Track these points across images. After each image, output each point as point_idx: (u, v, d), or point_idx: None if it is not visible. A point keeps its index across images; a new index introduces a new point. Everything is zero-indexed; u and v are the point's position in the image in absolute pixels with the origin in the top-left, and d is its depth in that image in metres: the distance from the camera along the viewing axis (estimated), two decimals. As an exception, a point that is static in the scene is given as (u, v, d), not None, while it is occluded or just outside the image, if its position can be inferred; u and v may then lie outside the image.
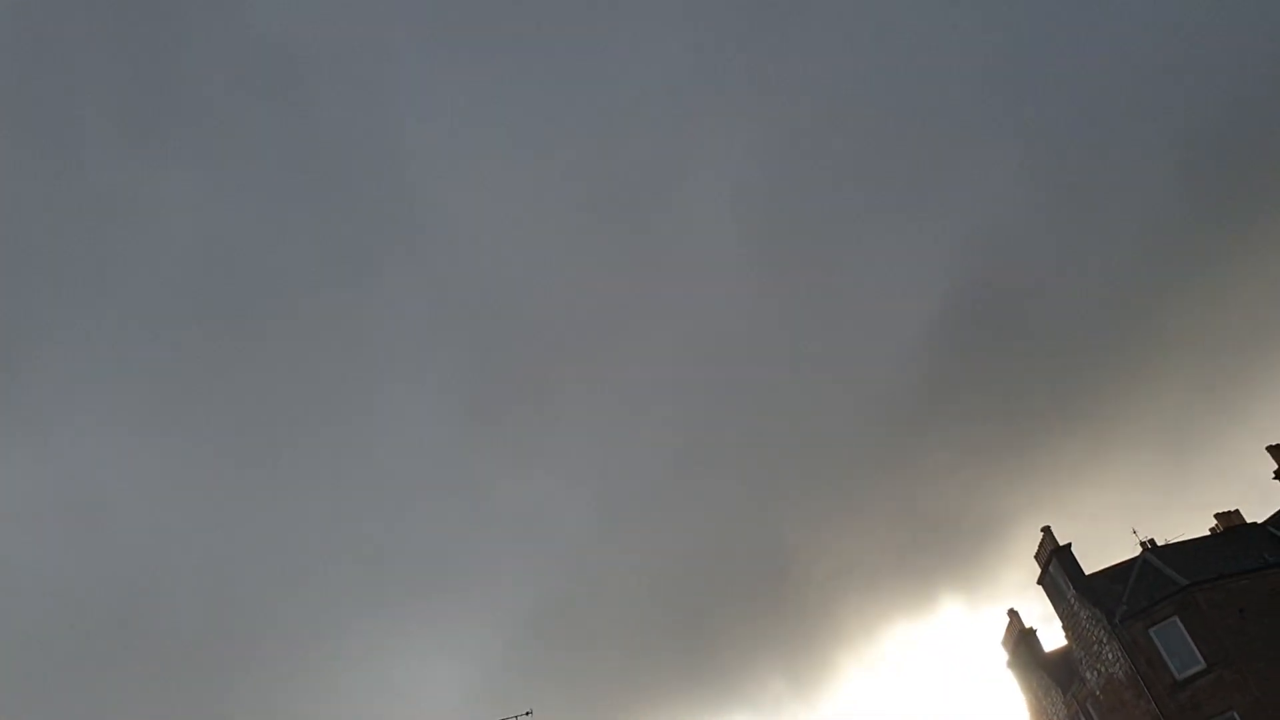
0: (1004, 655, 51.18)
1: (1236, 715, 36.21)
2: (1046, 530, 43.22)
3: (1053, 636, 48.69)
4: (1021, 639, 49.25)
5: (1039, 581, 44.16)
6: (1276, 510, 43.88)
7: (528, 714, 30.32)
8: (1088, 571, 42.02)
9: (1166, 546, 42.18)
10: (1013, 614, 49.90)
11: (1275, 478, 42.72)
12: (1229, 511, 45.38)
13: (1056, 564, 42.59)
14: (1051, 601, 43.74)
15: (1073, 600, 41.94)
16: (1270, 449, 43.16)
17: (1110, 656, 39.92)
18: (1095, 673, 41.55)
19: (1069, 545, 42.52)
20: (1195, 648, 37.38)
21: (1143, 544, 42.55)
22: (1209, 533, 44.71)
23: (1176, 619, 37.88)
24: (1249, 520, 44.97)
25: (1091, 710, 43.25)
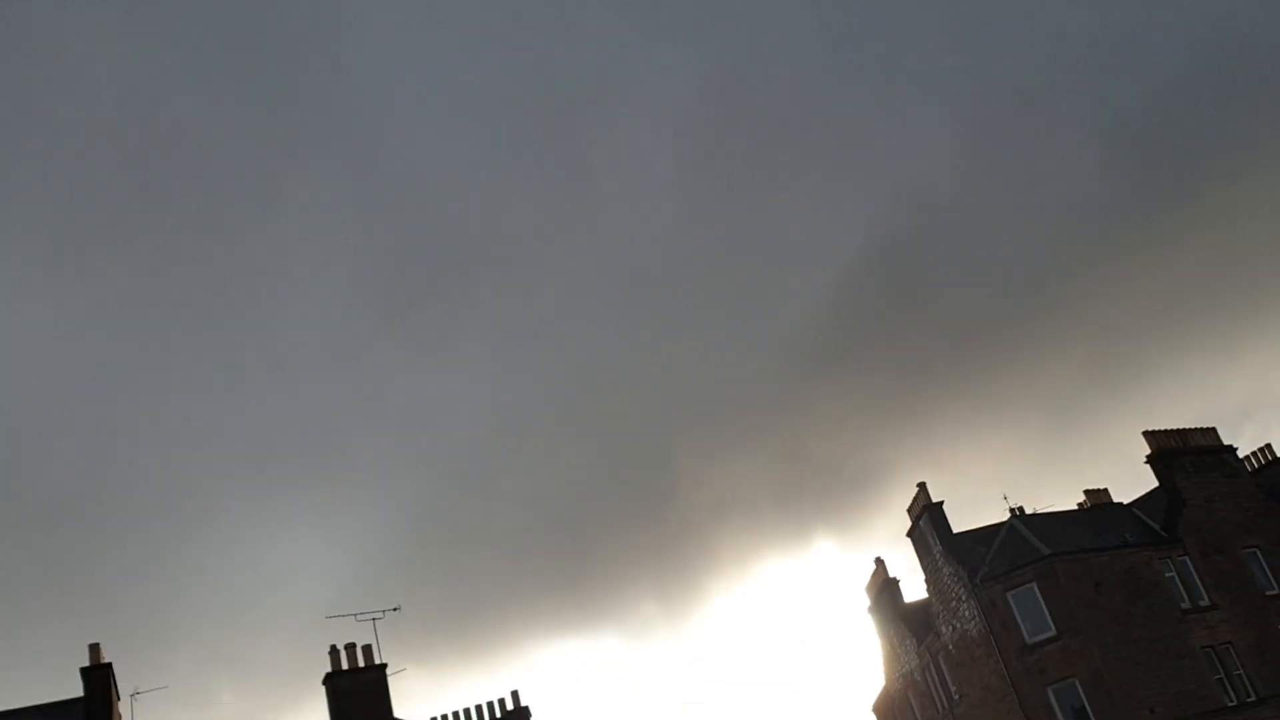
0: (867, 601, 52.06)
1: (1078, 683, 37.16)
2: (922, 486, 43.66)
3: (915, 589, 49.60)
4: (884, 587, 50.09)
5: (909, 534, 44.70)
6: (1144, 493, 44.91)
7: (395, 609, 29.53)
8: (956, 530, 42.60)
9: (1034, 515, 42.89)
10: (879, 562, 50.69)
11: (1146, 462, 43.60)
12: (1098, 489, 46.33)
13: (927, 519, 43.09)
14: (918, 555, 44.34)
15: (938, 556, 42.52)
16: (1146, 433, 44.00)
17: (967, 614, 40.63)
18: (950, 628, 42.32)
19: (941, 503, 43.02)
20: (1048, 615, 38.15)
21: (1012, 510, 43.22)
22: (1077, 507, 45.60)
23: (1034, 585, 38.57)
24: (1116, 500, 46.00)
25: (942, 663, 44.17)
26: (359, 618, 29.17)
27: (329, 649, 28.69)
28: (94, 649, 26.99)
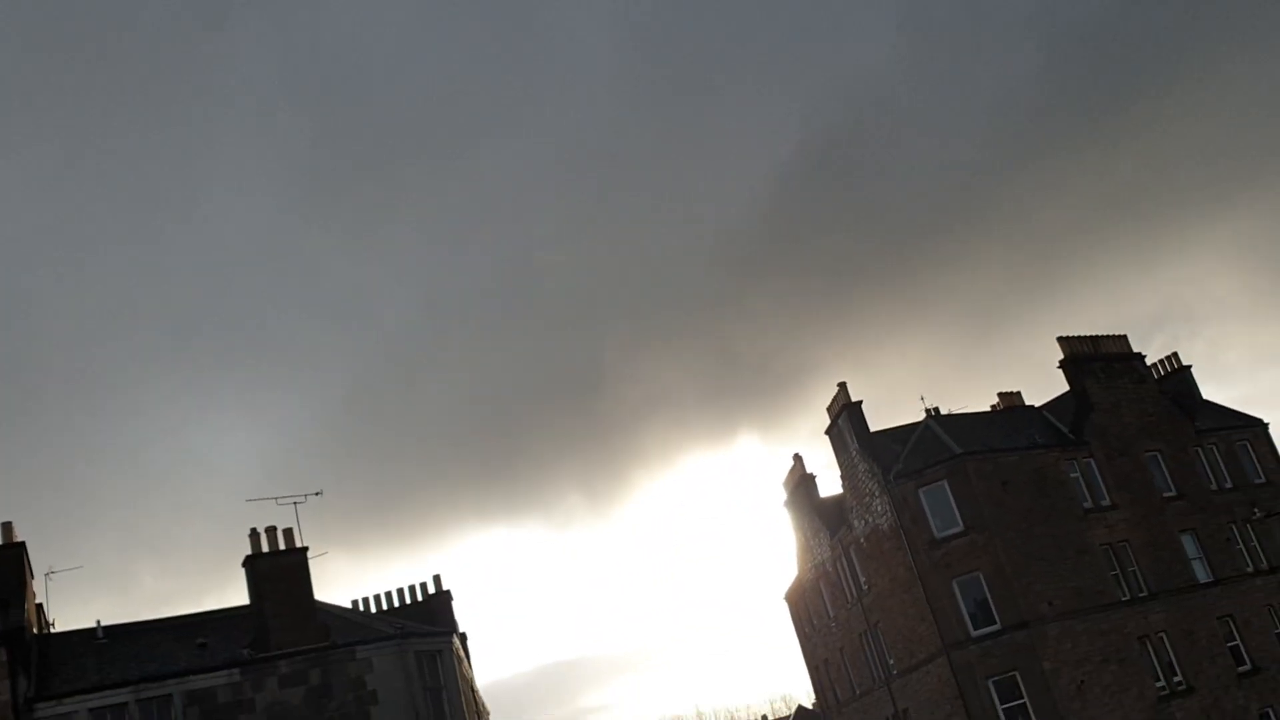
0: (783, 495, 53.04)
1: (981, 576, 38.41)
2: (842, 385, 44.23)
3: (832, 485, 50.58)
4: (801, 482, 51.04)
5: (827, 432, 45.39)
6: (1055, 397, 45.98)
7: (317, 494, 29.25)
8: (874, 430, 43.31)
9: (948, 416, 43.75)
10: (797, 458, 51.57)
11: (1059, 366, 44.56)
12: (1012, 392, 47.39)
13: (846, 418, 43.75)
14: (835, 452, 45.11)
15: (854, 453, 43.31)
16: (1060, 339, 44.88)
17: (879, 509, 41.60)
18: (863, 522, 43.34)
19: (859, 403, 43.65)
20: (957, 511, 39.20)
21: (927, 411, 44.02)
22: (990, 409, 46.63)
23: (945, 483, 39.51)
24: (1029, 403, 47.10)
25: (853, 555, 45.34)
26: (280, 501, 28.88)
27: (249, 532, 28.38)
28: (5, 527, 26.42)
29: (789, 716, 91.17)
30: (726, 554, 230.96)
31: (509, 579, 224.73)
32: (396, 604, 37.03)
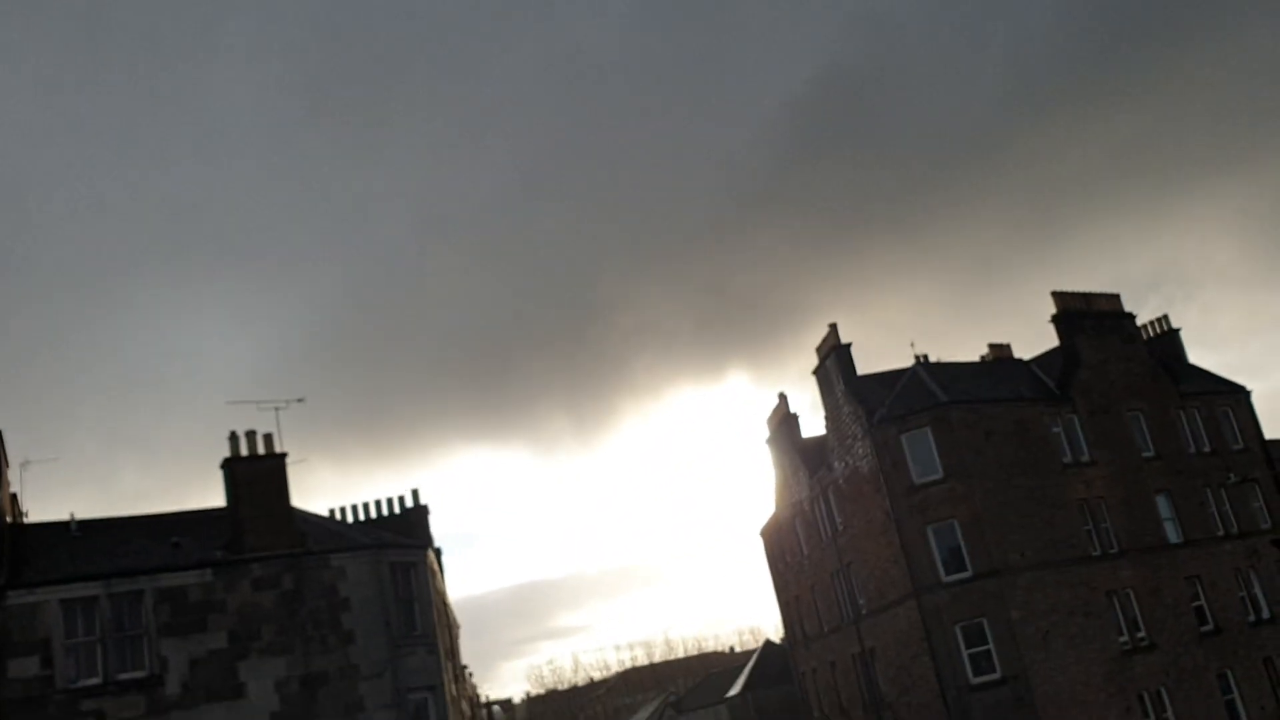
0: (766, 433, 52.94)
1: (956, 523, 38.41)
2: (833, 327, 43.85)
3: (816, 427, 50.38)
4: (784, 421, 50.91)
5: (815, 372, 45.10)
6: (1044, 351, 45.73)
7: (300, 400, 28.87)
8: (862, 373, 43.01)
9: (937, 364, 43.47)
10: (782, 397, 51.42)
11: (1051, 321, 44.21)
12: (1001, 344, 47.11)
13: (834, 359, 43.44)
14: (821, 393, 44.87)
15: (840, 395, 43.07)
16: (1054, 293, 44.48)
17: (860, 452, 41.48)
18: (843, 463, 43.26)
19: (849, 345, 43.34)
20: (938, 458, 39.09)
21: (916, 357, 43.66)
22: (979, 359, 46.35)
23: (929, 430, 39.35)
24: (1018, 356, 46.82)
25: (831, 495, 45.34)
26: (261, 405, 28.50)
27: (229, 435, 28.04)
28: (-18, 415, 26.00)
29: (756, 649, 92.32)
30: (708, 489, 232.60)
31: (491, 499, 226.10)
32: (374, 515, 36.94)
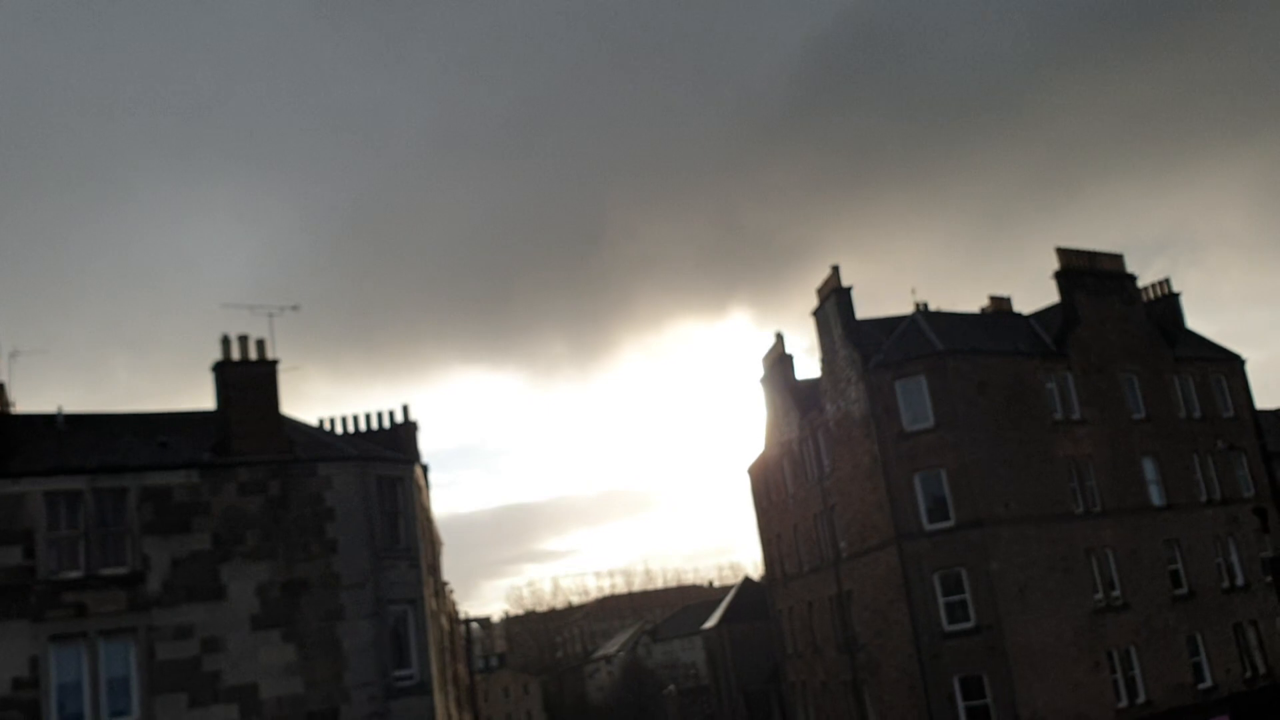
0: (761, 371, 52.71)
1: (944, 472, 38.33)
2: (834, 269, 43.26)
3: (811, 370, 50.05)
4: (779, 361, 50.64)
5: (814, 313, 44.67)
6: (1044, 307, 45.33)
7: (294, 308, 28.49)
8: (862, 318, 42.56)
9: (937, 313, 43.08)
10: (778, 336, 51.13)
11: (1053, 276, 43.77)
12: (1002, 297, 46.72)
13: (833, 302, 42.98)
14: (819, 335, 44.50)
15: (837, 338, 42.71)
16: (1058, 249, 43.99)
17: (853, 395, 41.24)
18: (835, 406, 43.04)
19: (849, 288, 42.81)
20: (930, 407, 38.88)
21: (916, 305, 43.26)
22: (979, 311, 45.96)
23: (923, 378, 39.09)
24: (1018, 309, 46.44)
25: (820, 437, 45.21)
26: (255, 310, 28.13)
27: (220, 338, 27.67)
28: (-28, 302, 25.58)
29: (735, 585, 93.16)
30: (701, 424, 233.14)
31: (484, 421, 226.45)
32: (364, 428, 36.73)
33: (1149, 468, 42.68)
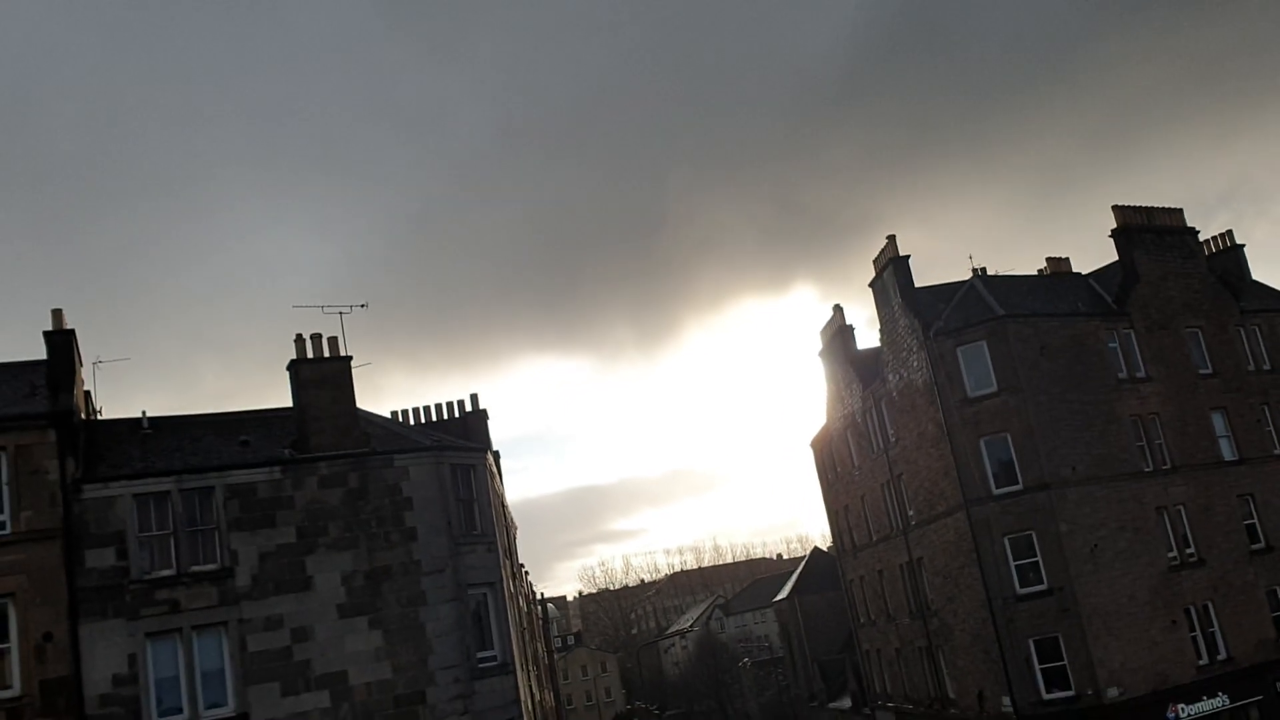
0: (820, 344, 52.15)
1: (1009, 437, 37.57)
2: (891, 238, 42.65)
3: (872, 340, 49.29)
4: (839, 333, 50.04)
5: (871, 284, 44.03)
6: (1103, 265, 44.21)
7: (363, 306, 28.76)
8: (920, 286, 41.85)
9: (995, 277, 42.21)
10: (837, 309, 50.48)
11: (1111, 235, 42.66)
12: (1060, 258, 45.59)
13: (891, 271, 42.32)
14: (877, 305, 43.88)
15: (896, 307, 42.06)
16: (1115, 208, 42.84)
17: (915, 364, 40.60)
18: (897, 376, 42.44)
19: (906, 257, 42.13)
20: (993, 371, 38.12)
21: (974, 270, 42.44)
22: (1037, 273, 44.94)
23: (984, 343, 38.33)
24: (1077, 270, 45.32)
25: (884, 408, 44.62)
26: (326, 310, 28.35)
27: (295, 337, 27.94)
28: (57, 314, 26.08)
29: (804, 557, 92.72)
30: (764, 401, 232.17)
31: (553, 406, 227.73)
32: (434, 419, 36.91)
33: (1218, 422, 41.43)
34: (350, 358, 28.43)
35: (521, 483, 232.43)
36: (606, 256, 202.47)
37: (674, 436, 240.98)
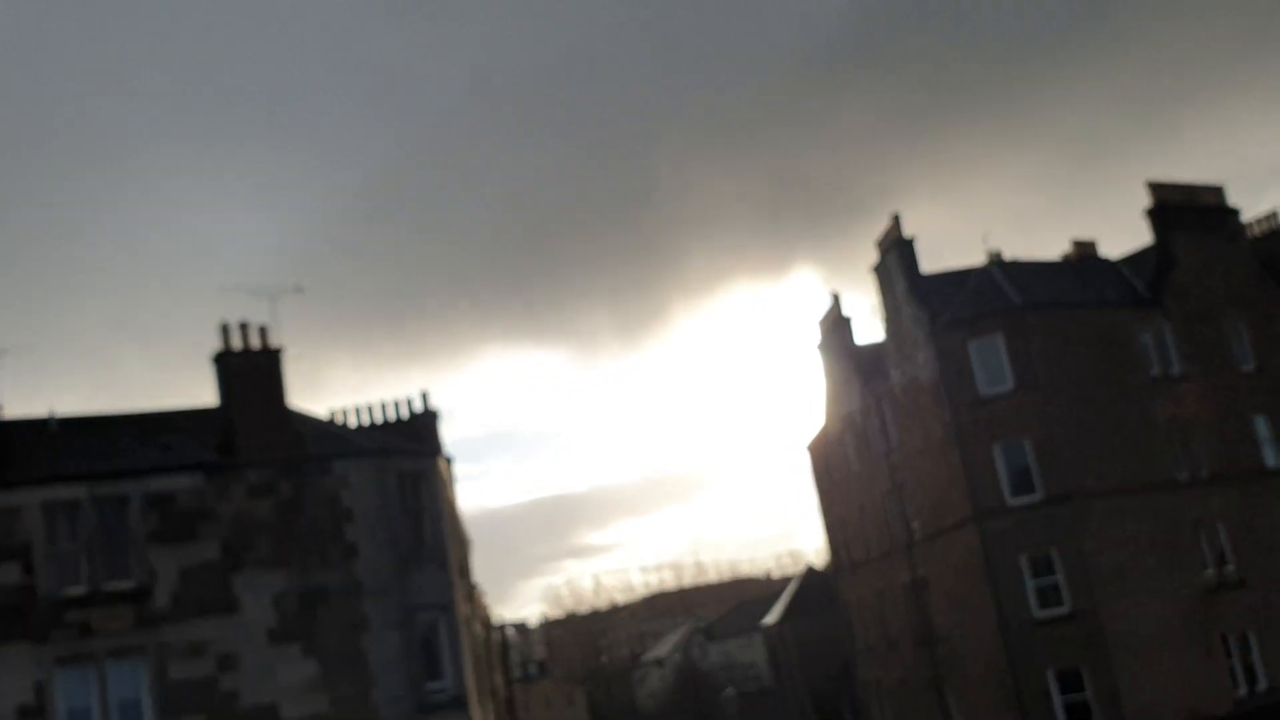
0: (818, 336, 52.89)
1: (1027, 441, 38.45)
2: (894, 218, 43.17)
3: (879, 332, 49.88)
4: (837, 324, 50.77)
5: (874, 269, 44.71)
6: (1135, 250, 44.97)
7: (298, 289, 29.33)
8: (930, 272, 42.53)
9: (1013, 263, 42.98)
10: (835, 297, 51.19)
11: (1145, 214, 43.47)
12: (1086, 241, 46.43)
13: (895, 254, 42.96)
14: (880, 293, 44.58)
15: (901, 295, 42.77)
16: (1150, 184, 43.65)
17: (921, 360, 41.37)
18: (901, 372, 43.22)
19: (912, 239, 42.69)
20: (1009, 368, 38.97)
21: (990, 254, 43.13)
22: (1061, 258, 45.77)
23: (999, 336, 39.14)
24: (1105, 254, 46.15)
25: (886, 407, 45.41)
26: (254, 293, 28.75)
27: (219, 325, 28.32)
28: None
29: (796, 575, 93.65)
30: (758, 398, 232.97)
31: (521, 402, 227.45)
32: (380, 420, 37.36)
33: (1261, 426, 42.43)
34: (281, 349, 28.86)
35: (481, 490, 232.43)
36: (585, 235, 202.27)
37: (656, 437, 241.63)
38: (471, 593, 39.45)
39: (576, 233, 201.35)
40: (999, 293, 40.46)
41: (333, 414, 36.51)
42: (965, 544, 39.93)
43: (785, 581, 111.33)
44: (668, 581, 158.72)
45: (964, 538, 39.96)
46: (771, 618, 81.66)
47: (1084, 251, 46.07)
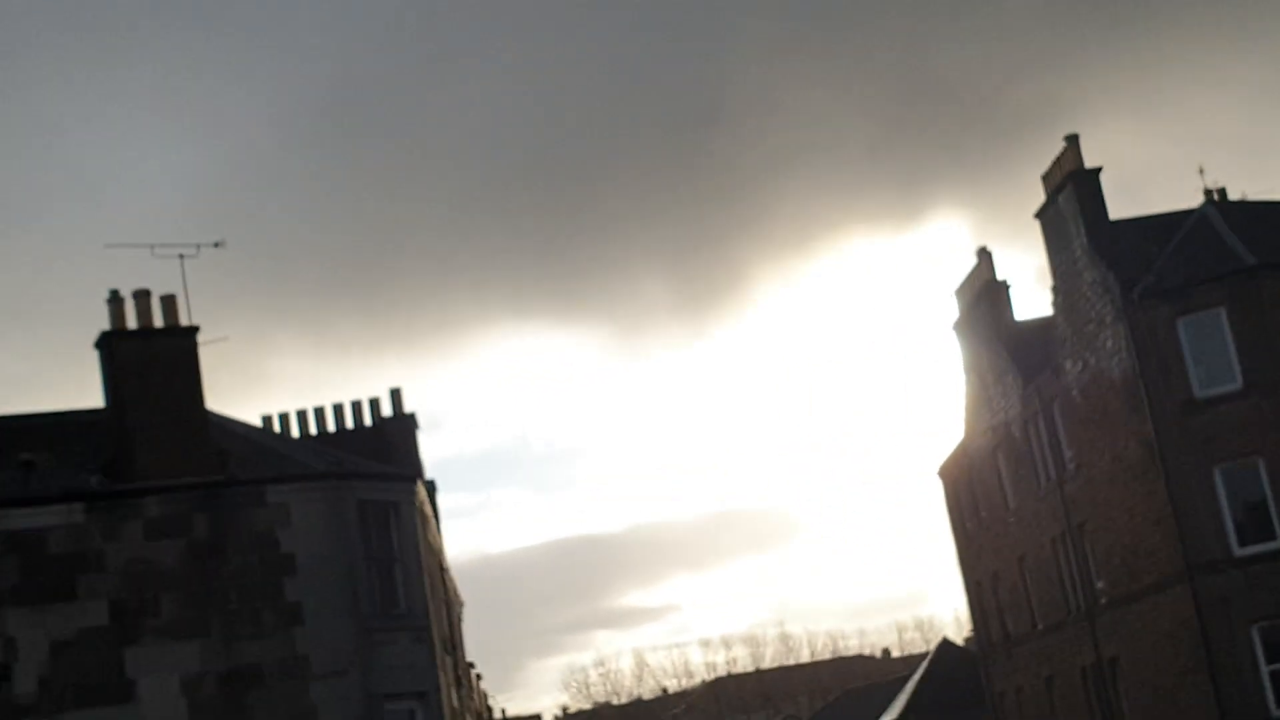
0: (955, 311, 52.27)
1: (1262, 463, 37.86)
2: (1072, 139, 42.52)
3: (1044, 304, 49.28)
4: (985, 293, 50.13)
5: (1039, 214, 44.19)
6: None
7: (216, 245, 29.02)
8: (1120, 218, 41.99)
9: (1241, 203, 42.42)
10: (983, 254, 50.48)
11: None
12: (1347, 173, 45.63)
13: (1071, 193, 42.41)
14: (1048, 249, 44.14)
15: (1079, 252, 42.24)
16: None
17: (1110, 346, 40.78)
18: (1080, 363, 42.66)
19: (1098, 171, 42.16)
20: (1236, 358, 38.44)
21: (1207, 192, 42.55)
22: (1310, 197, 45.08)
23: (1223, 311, 38.62)
24: (1376, 188, 45.44)
25: (1057, 414, 44.85)
26: (157, 251, 28.52)
27: (108, 295, 28.09)
28: None
29: (926, 654, 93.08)
30: (871, 400, 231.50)
31: (537, 404, 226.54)
32: (334, 429, 37.30)
33: None
34: (196, 330, 28.62)
35: (478, 529, 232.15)
36: (631, 172, 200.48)
37: (726, 457, 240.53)
38: (463, 674, 39.27)
39: (618, 169, 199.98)
40: (1222, 248, 39.92)
41: (270, 420, 36.43)
42: (1171, 611, 39.51)
43: (911, 663, 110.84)
44: (740, 661, 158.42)
45: (1170, 602, 39.54)
46: (890, 716, 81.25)
47: (1344, 187, 45.30)
